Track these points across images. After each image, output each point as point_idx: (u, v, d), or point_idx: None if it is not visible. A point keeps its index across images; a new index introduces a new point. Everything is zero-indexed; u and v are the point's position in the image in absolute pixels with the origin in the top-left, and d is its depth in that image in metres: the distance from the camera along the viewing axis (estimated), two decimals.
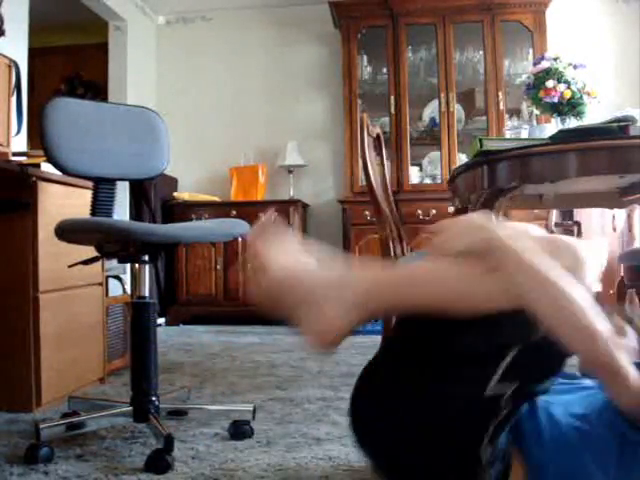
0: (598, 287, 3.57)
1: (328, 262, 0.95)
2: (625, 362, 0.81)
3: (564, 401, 0.96)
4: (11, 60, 2.31)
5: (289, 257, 0.95)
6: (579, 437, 0.90)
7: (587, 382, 1.03)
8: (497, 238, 0.88)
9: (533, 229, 1.00)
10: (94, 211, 1.80)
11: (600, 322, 0.81)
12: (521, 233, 0.94)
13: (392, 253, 2.38)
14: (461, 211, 2.81)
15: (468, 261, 0.88)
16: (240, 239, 4.07)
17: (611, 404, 0.87)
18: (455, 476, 0.88)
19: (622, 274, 2.96)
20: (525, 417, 0.92)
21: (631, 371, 0.81)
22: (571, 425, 0.91)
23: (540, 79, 2.31)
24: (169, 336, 3.63)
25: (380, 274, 0.94)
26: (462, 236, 0.91)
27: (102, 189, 1.82)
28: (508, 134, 3.90)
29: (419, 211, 3.93)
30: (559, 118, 2.32)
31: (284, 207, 4.17)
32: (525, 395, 0.90)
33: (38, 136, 1.70)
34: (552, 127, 2.31)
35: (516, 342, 0.86)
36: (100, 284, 2.32)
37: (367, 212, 3.87)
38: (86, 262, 1.69)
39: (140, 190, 2.38)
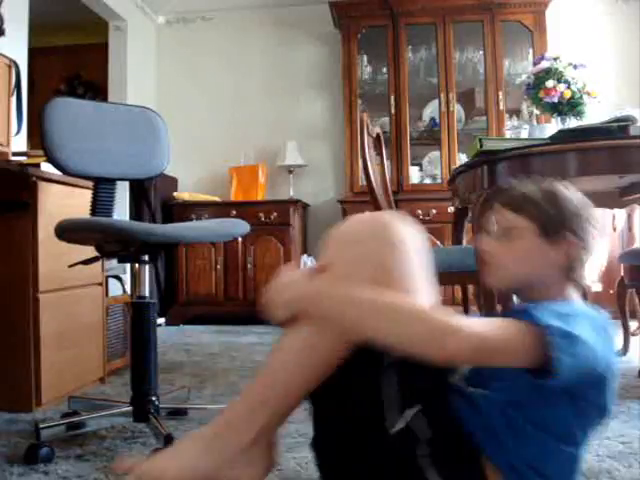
0: (598, 287, 3.57)
1: None
2: (491, 339, 0.79)
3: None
4: (11, 60, 2.31)
5: None
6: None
7: None
8: (308, 291, 0.90)
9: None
10: (94, 211, 1.80)
11: (436, 319, 0.80)
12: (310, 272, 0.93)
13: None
14: (461, 211, 2.81)
15: (296, 329, 0.90)
16: (240, 239, 4.07)
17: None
18: None
19: (622, 274, 2.96)
20: (468, 421, 0.88)
21: (503, 337, 0.80)
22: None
23: (540, 79, 2.31)
24: (169, 336, 3.63)
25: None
26: (279, 303, 0.92)
27: (102, 189, 1.82)
28: (508, 134, 3.90)
29: (419, 211, 3.92)
30: (559, 118, 2.32)
31: (284, 207, 4.17)
32: (438, 409, 0.87)
33: (38, 136, 1.70)
34: (552, 127, 2.31)
35: (378, 372, 0.85)
36: (100, 284, 2.32)
37: (367, 212, 3.86)
38: (86, 262, 1.69)
39: (140, 190, 2.38)
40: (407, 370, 0.85)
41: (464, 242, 2.90)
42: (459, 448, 0.87)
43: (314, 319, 0.89)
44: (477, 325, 0.82)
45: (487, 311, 2.14)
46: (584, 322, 0.85)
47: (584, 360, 0.81)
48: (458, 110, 4.13)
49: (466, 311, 2.92)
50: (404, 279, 0.90)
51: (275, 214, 4.13)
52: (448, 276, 2.36)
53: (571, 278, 1.01)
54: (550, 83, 2.26)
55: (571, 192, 1.03)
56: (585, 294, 2.74)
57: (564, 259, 0.97)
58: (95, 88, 4.93)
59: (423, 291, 0.91)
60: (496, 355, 0.80)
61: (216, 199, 4.38)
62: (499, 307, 2.14)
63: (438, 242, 3.88)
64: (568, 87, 2.25)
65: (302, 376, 0.89)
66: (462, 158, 3.94)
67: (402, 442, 0.84)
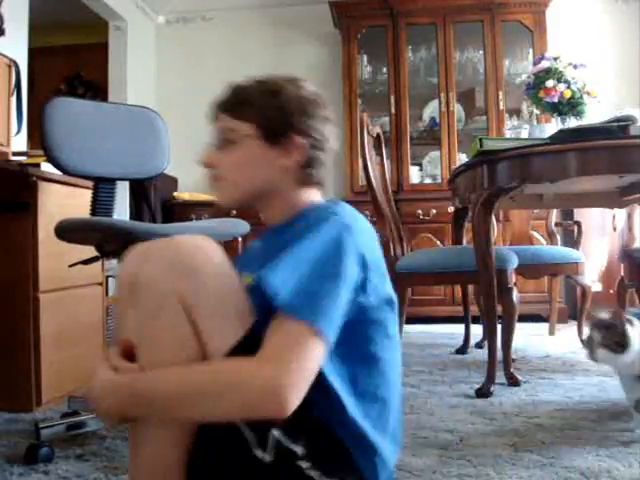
0: (598, 287, 3.57)
1: None
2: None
3: None
4: (11, 60, 2.31)
5: None
6: None
7: None
8: (98, 408, 0.86)
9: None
10: (94, 211, 1.80)
11: (215, 381, 0.79)
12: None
13: (392, 253, 2.38)
14: (461, 211, 2.81)
15: (139, 426, 0.86)
16: (240, 239, 4.07)
17: None
18: None
19: (622, 274, 2.96)
20: None
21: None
22: None
23: (540, 79, 2.31)
24: None
25: None
26: (107, 417, 0.87)
27: (102, 189, 1.82)
28: (508, 134, 3.90)
29: (419, 211, 3.92)
30: (559, 118, 2.32)
31: None
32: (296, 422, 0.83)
33: (38, 136, 1.70)
34: (552, 127, 2.31)
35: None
36: (100, 284, 2.32)
37: (367, 212, 3.86)
38: (86, 262, 1.69)
39: (140, 190, 2.37)
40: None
41: (464, 242, 2.90)
42: (329, 444, 0.86)
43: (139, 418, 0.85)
44: (292, 365, 0.78)
45: (487, 311, 2.14)
46: (341, 250, 0.81)
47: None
48: (458, 110, 4.13)
49: (466, 311, 2.92)
50: (206, 321, 0.83)
51: None
52: (448, 276, 2.36)
53: (309, 181, 0.94)
54: (550, 83, 2.26)
55: (298, 87, 0.93)
56: (584, 293, 2.74)
57: (295, 162, 0.91)
58: (95, 88, 4.93)
59: (227, 327, 0.84)
60: (313, 373, 0.80)
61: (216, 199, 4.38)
62: (499, 307, 2.14)
63: (438, 242, 3.89)
64: (568, 87, 2.25)
65: (161, 470, 0.85)
66: (462, 158, 3.93)
67: (283, 465, 0.82)
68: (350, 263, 0.83)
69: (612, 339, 1.38)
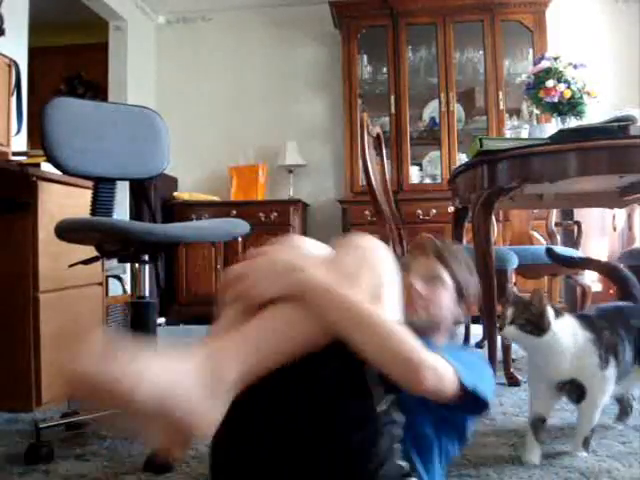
0: (598, 287, 3.57)
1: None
2: (443, 379, 0.89)
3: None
4: (11, 60, 2.31)
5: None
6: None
7: None
8: (304, 278, 0.90)
9: (319, 249, 1.04)
10: (94, 211, 1.80)
11: (416, 350, 0.87)
12: (318, 262, 0.95)
13: (392, 253, 2.38)
14: (461, 211, 2.81)
15: (288, 306, 0.89)
16: (240, 239, 4.07)
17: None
18: None
19: None
20: None
21: (447, 382, 0.89)
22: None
23: (540, 79, 2.31)
24: (169, 336, 3.63)
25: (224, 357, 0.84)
26: (275, 279, 0.90)
27: (102, 189, 1.82)
28: (508, 134, 3.90)
29: (419, 211, 3.92)
30: (559, 118, 2.32)
31: (284, 207, 4.17)
32: (405, 405, 0.96)
33: (38, 136, 1.70)
34: (552, 127, 2.31)
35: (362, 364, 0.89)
36: (100, 284, 2.32)
37: (367, 212, 3.87)
38: (86, 262, 1.69)
39: (140, 190, 2.38)
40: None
41: (464, 242, 2.90)
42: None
43: (305, 305, 0.89)
44: (440, 365, 0.90)
45: (487, 311, 2.14)
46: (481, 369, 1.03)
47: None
48: (458, 110, 4.14)
49: None
50: (393, 300, 0.95)
51: (275, 214, 4.14)
52: None
53: (452, 331, 1.24)
54: (550, 83, 2.26)
55: (474, 273, 1.26)
56: (584, 294, 2.73)
57: (457, 317, 1.21)
58: (95, 88, 4.93)
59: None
60: (439, 396, 0.90)
61: (216, 199, 4.38)
62: (499, 307, 2.13)
63: None
64: (568, 87, 2.25)
65: (288, 343, 0.88)
66: (462, 158, 3.94)
67: (385, 422, 0.91)
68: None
69: (526, 317, 1.33)
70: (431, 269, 1.18)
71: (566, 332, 1.35)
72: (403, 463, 0.95)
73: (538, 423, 1.40)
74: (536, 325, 1.33)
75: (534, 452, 1.39)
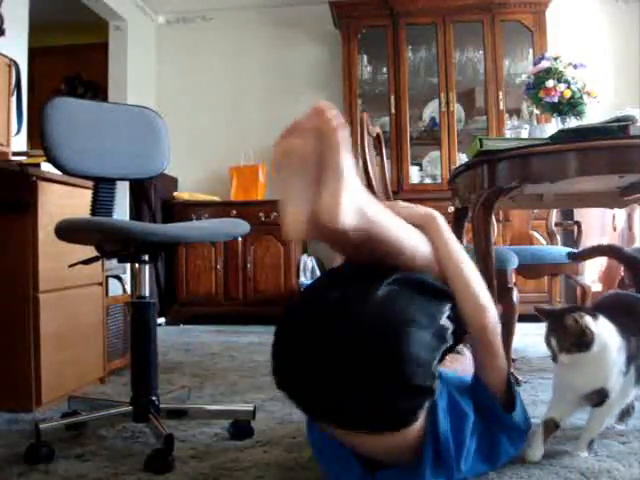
0: (598, 287, 3.57)
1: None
2: (501, 345, 1.12)
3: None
4: (11, 60, 2.31)
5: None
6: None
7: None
8: (436, 219, 1.19)
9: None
10: (94, 211, 1.80)
11: (492, 305, 1.13)
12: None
13: None
14: (461, 211, 2.81)
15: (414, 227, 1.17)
16: (240, 239, 4.07)
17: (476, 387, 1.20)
18: (406, 397, 1.02)
19: (622, 274, 2.96)
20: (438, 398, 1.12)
21: (503, 358, 1.13)
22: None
23: (540, 79, 2.31)
24: (169, 336, 3.63)
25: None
26: (415, 211, 1.21)
27: (102, 189, 1.82)
28: (508, 134, 3.90)
29: None
30: (559, 118, 2.32)
31: None
32: (458, 335, 1.12)
33: (38, 136, 1.70)
34: (552, 127, 2.31)
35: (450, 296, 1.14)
36: (100, 284, 2.32)
37: None
38: (86, 262, 1.69)
39: (140, 190, 2.38)
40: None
41: (464, 242, 2.90)
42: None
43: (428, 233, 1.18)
44: (499, 328, 1.18)
45: None
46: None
47: (524, 424, 1.27)
48: (458, 110, 4.14)
49: None
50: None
51: (275, 214, 4.13)
52: None
53: None
54: (550, 83, 2.26)
55: None
56: (584, 293, 2.73)
57: None
58: (95, 88, 4.93)
59: None
60: (493, 359, 1.17)
61: (216, 199, 4.38)
62: (499, 307, 2.13)
63: None
64: (568, 87, 2.25)
65: (404, 239, 1.13)
66: (462, 158, 3.94)
67: (439, 335, 1.06)
68: None
69: (570, 342, 1.32)
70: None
71: (610, 337, 1.33)
72: (435, 371, 1.04)
73: (550, 425, 1.40)
74: (581, 343, 1.31)
75: (537, 450, 1.39)
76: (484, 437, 1.16)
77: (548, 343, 1.37)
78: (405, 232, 1.12)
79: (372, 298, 1.03)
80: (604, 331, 1.33)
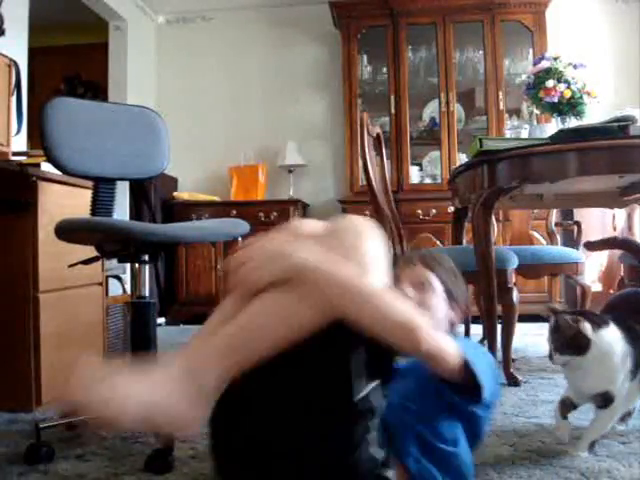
0: (598, 287, 3.57)
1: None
2: (442, 343, 0.92)
3: (398, 388, 1.04)
4: (11, 60, 2.31)
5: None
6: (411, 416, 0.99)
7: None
8: (294, 261, 0.93)
9: (311, 226, 1.08)
10: (94, 211, 1.80)
11: (412, 315, 0.92)
12: (310, 242, 0.99)
13: (392, 253, 2.38)
14: (461, 211, 2.81)
15: (280, 291, 0.92)
16: (240, 239, 4.07)
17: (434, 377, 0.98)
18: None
19: (622, 274, 2.96)
20: None
21: (449, 349, 0.92)
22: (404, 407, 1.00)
23: (540, 79, 2.31)
24: (169, 336, 3.62)
25: (217, 346, 0.92)
26: (268, 266, 0.94)
27: (102, 189, 1.82)
28: (508, 134, 3.90)
29: (419, 211, 3.92)
30: (559, 118, 2.32)
31: (284, 207, 4.17)
32: (385, 390, 0.99)
33: (38, 136, 1.70)
34: (552, 127, 2.31)
35: (352, 347, 0.93)
36: (100, 284, 2.32)
37: (367, 212, 3.86)
38: (86, 262, 1.69)
39: (140, 190, 2.37)
40: (373, 349, 0.93)
41: (464, 242, 2.90)
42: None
43: (297, 288, 0.92)
44: (439, 334, 0.94)
45: (487, 311, 2.14)
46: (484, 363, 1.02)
47: (493, 395, 1.01)
48: (458, 110, 4.13)
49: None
50: (384, 272, 0.99)
51: (275, 214, 4.14)
52: None
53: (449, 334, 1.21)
54: (550, 83, 2.26)
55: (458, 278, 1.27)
56: (584, 293, 2.73)
57: (451, 319, 1.21)
58: (95, 88, 4.93)
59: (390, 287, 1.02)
60: (441, 362, 0.93)
61: (216, 199, 4.38)
62: (499, 307, 2.14)
63: (438, 242, 3.89)
64: (568, 87, 2.25)
65: (276, 334, 0.91)
66: (462, 158, 3.94)
67: (362, 410, 0.92)
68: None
69: (561, 342, 1.33)
70: (418, 275, 1.20)
71: (611, 345, 1.34)
72: (378, 453, 0.94)
73: (567, 402, 1.42)
74: (576, 346, 1.32)
75: (562, 429, 1.43)
76: (467, 430, 1.11)
77: (548, 340, 1.39)
78: (269, 334, 0.91)
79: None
80: (607, 339, 1.33)
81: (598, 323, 1.35)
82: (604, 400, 1.36)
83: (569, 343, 1.32)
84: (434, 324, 1.13)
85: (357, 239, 0.98)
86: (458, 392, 0.97)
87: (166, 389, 0.86)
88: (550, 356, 1.38)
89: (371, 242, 0.99)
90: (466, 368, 0.94)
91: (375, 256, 0.98)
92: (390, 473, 0.96)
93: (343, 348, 0.92)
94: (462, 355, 0.94)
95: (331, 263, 0.94)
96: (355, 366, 0.92)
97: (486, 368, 1.00)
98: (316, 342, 0.91)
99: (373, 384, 0.95)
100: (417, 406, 0.99)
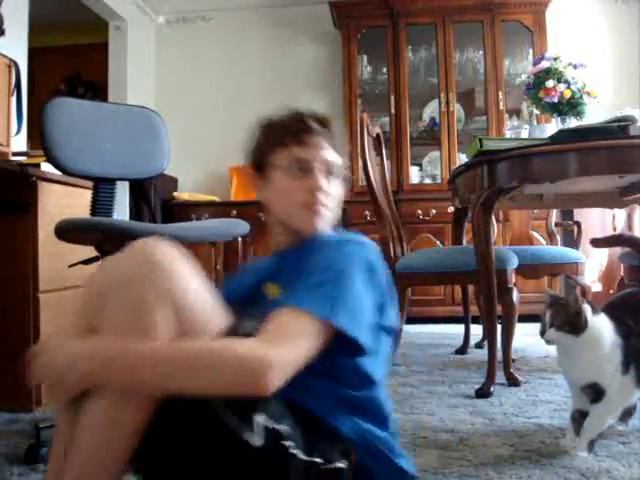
0: (598, 287, 3.57)
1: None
2: (292, 352, 0.83)
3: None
4: (11, 60, 2.31)
5: None
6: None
7: None
8: (79, 373, 0.83)
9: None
10: (94, 211, 1.80)
11: (234, 356, 0.81)
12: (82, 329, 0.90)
13: (392, 253, 2.38)
14: (461, 211, 2.81)
15: (94, 400, 0.84)
16: (240, 239, 4.07)
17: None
18: None
19: (622, 273, 2.96)
20: None
21: (301, 347, 0.84)
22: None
23: (540, 79, 2.31)
24: None
25: None
26: (58, 390, 0.87)
27: (102, 189, 1.82)
28: (508, 134, 3.90)
29: (419, 211, 3.92)
30: (559, 118, 2.32)
31: None
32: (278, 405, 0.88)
33: (38, 136, 1.70)
34: (552, 127, 2.31)
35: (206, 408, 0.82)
36: None
37: (367, 212, 3.87)
38: (86, 262, 1.69)
39: (140, 190, 2.38)
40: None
41: (464, 242, 2.90)
42: (311, 424, 0.90)
43: (104, 387, 0.83)
44: (282, 348, 0.82)
45: (487, 311, 2.14)
46: (353, 274, 0.91)
47: (367, 326, 0.90)
48: (458, 110, 4.13)
49: (466, 311, 2.92)
50: (188, 308, 0.87)
51: None
52: (448, 276, 2.36)
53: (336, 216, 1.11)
54: (550, 83, 2.26)
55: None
56: (584, 293, 2.74)
57: (341, 200, 1.09)
58: (95, 88, 4.93)
59: (212, 316, 0.90)
60: (302, 361, 0.84)
61: (216, 199, 4.38)
62: (499, 308, 2.14)
63: (438, 242, 3.89)
64: (568, 87, 2.25)
65: (114, 452, 0.83)
66: (462, 158, 3.93)
67: (272, 444, 0.84)
68: (375, 280, 0.96)
69: (563, 318, 1.34)
70: (325, 160, 1.03)
71: (603, 332, 1.35)
72: (308, 454, 0.88)
73: (577, 416, 1.42)
74: (574, 324, 1.33)
75: (570, 441, 1.43)
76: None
77: (542, 316, 1.39)
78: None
79: None
80: (599, 326, 1.35)
81: (594, 309, 1.37)
82: (595, 393, 1.36)
83: (568, 321, 1.33)
84: (333, 215, 1.07)
85: (135, 307, 0.85)
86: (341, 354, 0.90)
87: None
88: (542, 332, 1.38)
89: (140, 287, 0.86)
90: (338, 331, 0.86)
91: (154, 301, 0.85)
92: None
93: (197, 415, 0.82)
94: (327, 323, 0.85)
95: (119, 342, 0.83)
96: (229, 420, 0.82)
97: (345, 296, 0.88)
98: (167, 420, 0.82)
99: (261, 417, 0.84)
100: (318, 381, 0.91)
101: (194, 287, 0.91)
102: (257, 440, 0.83)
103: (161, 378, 0.82)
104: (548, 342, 1.38)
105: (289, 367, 0.82)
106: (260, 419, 0.84)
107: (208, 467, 0.84)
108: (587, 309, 1.35)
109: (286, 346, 0.83)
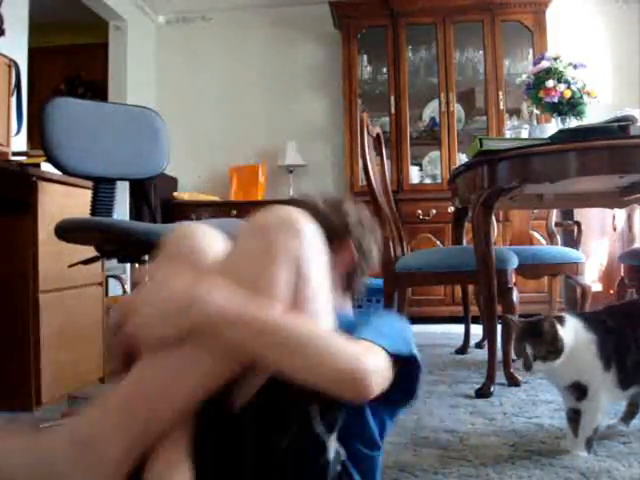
0: (598, 287, 3.57)
1: None
2: (385, 368, 0.85)
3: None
4: (11, 60, 2.31)
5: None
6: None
7: None
8: (201, 314, 0.80)
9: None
10: (94, 211, 1.80)
11: (343, 352, 0.80)
12: (215, 271, 0.86)
13: (392, 253, 2.38)
14: (461, 211, 2.81)
15: (184, 348, 0.80)
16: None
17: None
18: None
19: (622, 274, 2.96)
20: None
21: (386, 368, 0.85)
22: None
23: (540, 79, 2.31)
24: None
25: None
26: (162, 322, 0.81)
27: (102, 189, 1.82)
28: (508, 134, 3.90)
29: (419, 211, 3.92)
30: (559, 118, 2.32)
31: None
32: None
33: (38, 136, 1.70)
34: (552, 127, 2.31)
35: (305, 407, 0.83)
36: (100, 284, 2.32)
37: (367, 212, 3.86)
38: (86, 262, 1.69)
39: (140, 190, 2.37)
40: (326, 403, 0.82)
41: (464, 242, 2.90)
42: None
43: (207, 342, 0.80)
44: (375, 364, 0.83)
45: (487, 311, 2.14)
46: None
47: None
48: (458, 110, 4.13)
49: (466, 311, 2.92)
50: (320, 284, 0.87)
51: None
52: (448, 276, 2.36)
53: (349, 287, 1.09)
54: (550, 83, 2.26)
55: (357, 208, 1.13)
56: (584, 293, 2.73)
57: (345, 266, 1.05)
58: (95, 88, 4.93)
59: (327, 306, 0.88)
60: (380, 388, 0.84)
61: (216, 199, 4.38)
62: (499, 308, 2.14)
63: (438, 242, 3.89)
64: (568, 87, 2.25)
65: (181, 397, 0.81)
66: (462, 158, 3.94)
67: (335, 461, 0.85)
68: None
69: (546, 349, 1.32)
70: (347, 257, 1.07)
71: (572, 335, 1.35)
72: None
73: (572, 415, 1.42)
74: (555, 350, 1.33)
75: (569, 441, 1.43)
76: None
77: (520, 351, 1.36)
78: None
79: None
80: (568, 331, 1.35)
81: (559, 320, 1.36)
82: (579, 391, 1.37)
83: (549, 350, 1.33)
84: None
85: (274, 251, 0.84)
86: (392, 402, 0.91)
87: (54, 454, 0.79)
88: (528, 366, 1.35)
89: (296, 248, 0.85)
90: (403, 360, 0.88)
91: (306, 265, 0.85)
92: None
93: (299, 411, 0.82)
94: (392, 353, 0.87)
95: (245, 301, 0.81)
96: (319, 428, 0.82)
97: (401, 331, 0.94)
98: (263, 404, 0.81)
99: (334, 435, 0.84)
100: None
101: (316, 265, 0.88)
102: (331, 453, 0.83)
103: (271, 349, 0.80)
104: (534, 374, 1.39)
105: (386, 383, 0.85)
106: (334, 435, 0.84)
107: (281, 461, 0.83)
108: (559, 328, 1.34)
109: (381, 360, 0.85)
